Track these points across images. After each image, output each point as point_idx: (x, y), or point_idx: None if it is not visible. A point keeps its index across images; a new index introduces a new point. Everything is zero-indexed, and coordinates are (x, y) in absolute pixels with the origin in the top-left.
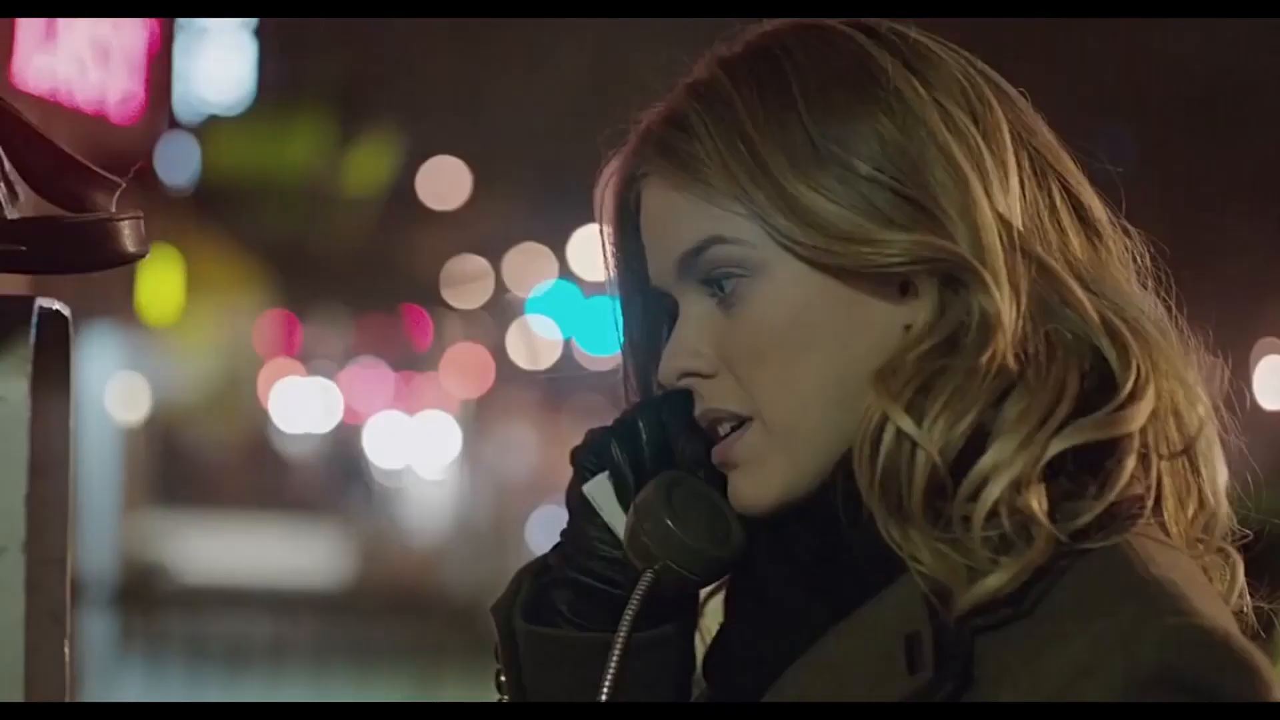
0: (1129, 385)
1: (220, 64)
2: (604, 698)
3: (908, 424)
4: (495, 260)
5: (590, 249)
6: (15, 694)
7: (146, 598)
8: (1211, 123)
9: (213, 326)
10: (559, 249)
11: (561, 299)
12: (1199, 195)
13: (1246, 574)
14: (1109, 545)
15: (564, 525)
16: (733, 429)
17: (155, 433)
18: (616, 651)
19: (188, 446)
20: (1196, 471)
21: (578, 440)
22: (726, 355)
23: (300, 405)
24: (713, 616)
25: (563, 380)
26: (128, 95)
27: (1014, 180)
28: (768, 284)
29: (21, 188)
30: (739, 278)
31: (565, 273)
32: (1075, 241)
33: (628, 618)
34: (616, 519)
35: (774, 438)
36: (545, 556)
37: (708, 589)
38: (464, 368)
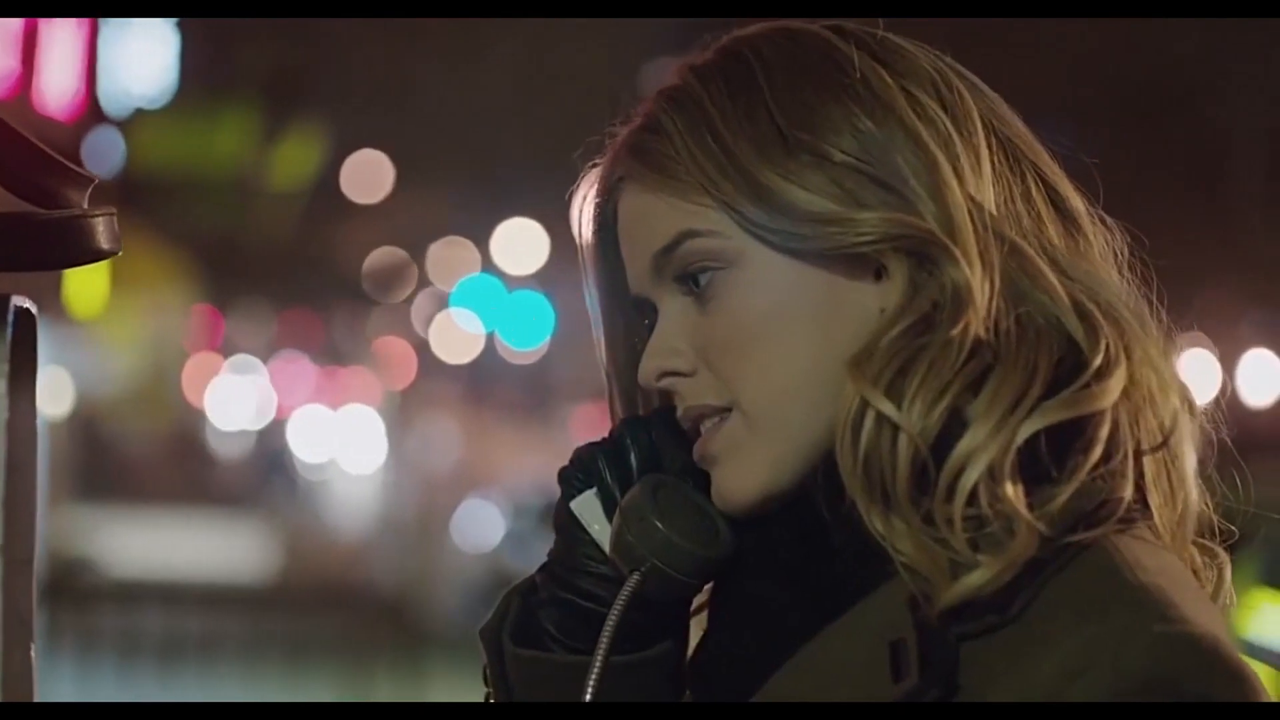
0: (1097, 362)
1: (144, 56)
2: (589, 692)
3: (887, 407)
4: (418, 254)
5: (514, 243)
6: None
7: (73, 593)
8: (1138, 114)
9: (137, 320)
10: (482, 243)
11: (484, 293)
12: (1126, 188)
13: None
14: (1095, 547)
15: (490, 526)
16: (714, 425)
17: (79, 427)
18: (600, 656)
19: (112, 441)
20: (1176, 464)
21: (500, 433)
22: (704, 350)
23: (236, 403)
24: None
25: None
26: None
27: (986, 166)
28: (742, 274)
29: None
30: (714, 271)
31: (488, 266)
32: (1051, 229)
33: (614, 616)
34: (605, 535)
35: (754, 428)
36: (533, 576)
37: (694, 607)
38: (387, 361)
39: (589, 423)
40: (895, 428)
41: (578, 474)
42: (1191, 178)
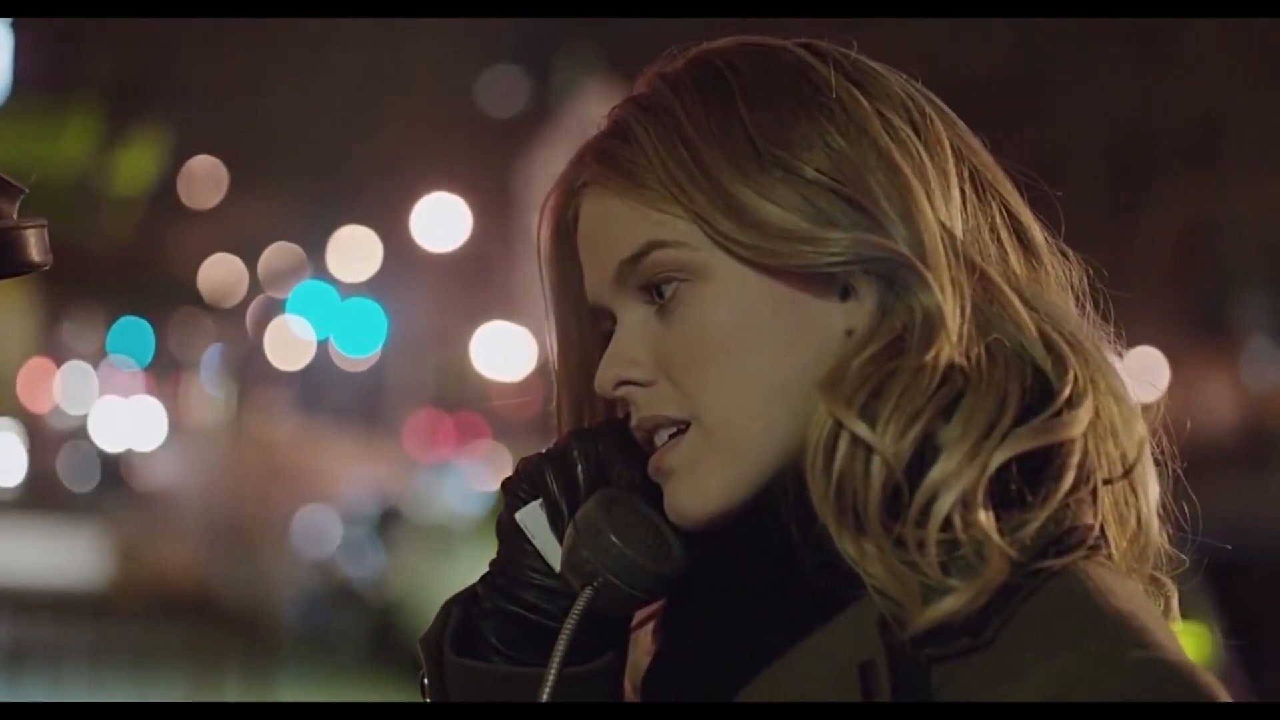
0: (1066, 392)
1: None
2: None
3: (862, 429)
4: (251, 260)
5: (347, 250)
6: None
7: None
8: (969, 121)
9: None
10: (317, 250)
11: (318, 299)
12: None
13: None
14: (1065, 573)
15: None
16: (670, 438)
17: None
18: (553, 670)
19: None
20: (1135, 494)
21: (333, 440)
22: (665, 361)
23: (121, 422)
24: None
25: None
26: None
27: (955, 193)
28: (708, 287)
29: None
30: (679, 282)
31: (322, 273)
32: (1014, 259)
33: (567, 631)
34: (550, 547)
35: (712, 443)
36: (473, 586)
37: (634, 623)
38: (222, 366)
39: (421, 430)
40: (869, 451)
41: (523, 485)
42: (1041, 201)
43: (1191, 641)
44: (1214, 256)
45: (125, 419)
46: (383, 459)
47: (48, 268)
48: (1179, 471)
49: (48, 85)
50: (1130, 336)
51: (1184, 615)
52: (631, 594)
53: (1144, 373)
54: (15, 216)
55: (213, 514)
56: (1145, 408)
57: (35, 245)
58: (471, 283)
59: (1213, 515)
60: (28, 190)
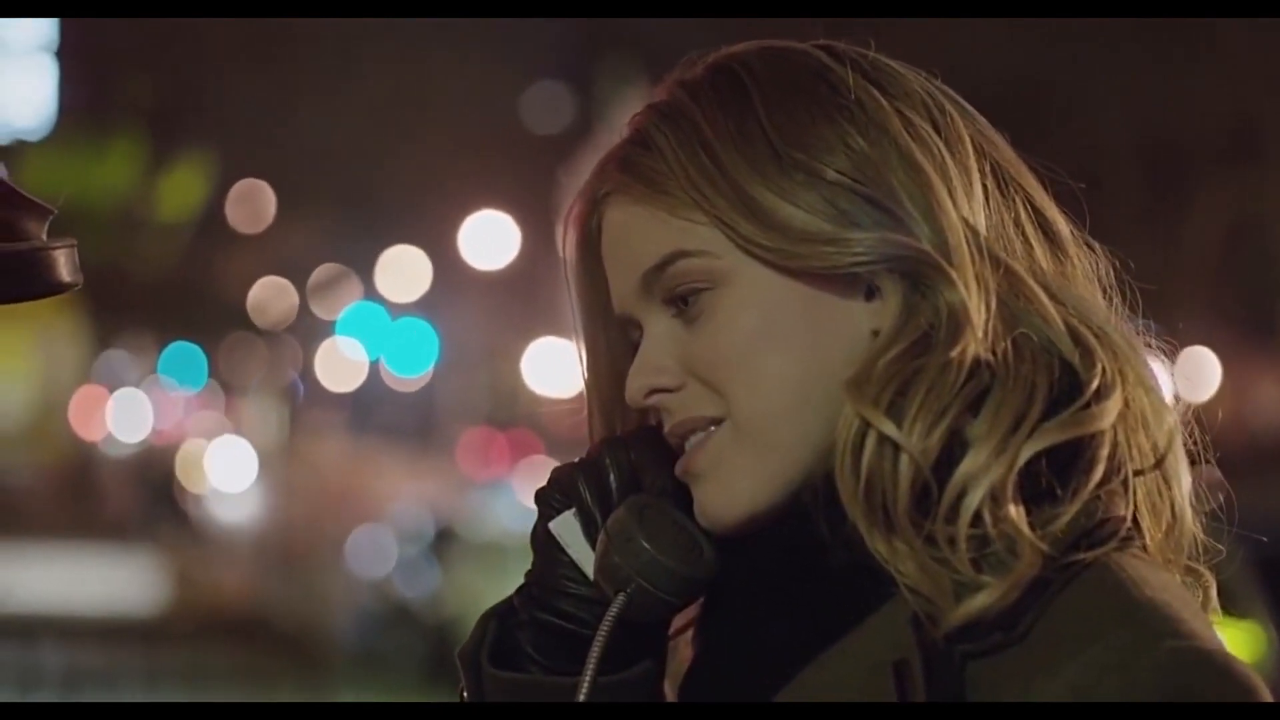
0: (1094, 384)
1: (20, 86)
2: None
3: (889, 428)
4: (300, 283)
5: (396, 270)
6: None
7: None
8: (1006, 122)
9: (22, 353)
10: (365, 271)
11: (368, 320)
12: None
13: None
14: (1097, 565)
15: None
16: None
17: None
18: (588, 677)
19: None
20: (1168, 485)
21: (386, 460)
22: (693, 367)
23: (232, 467)
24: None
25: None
26: None
27: (978, 188)
28: (733, 293)
29: None
30: (703, 290)
31: (371, 294)
32: (1039, 253)
33: (601, 637)
34: (584, 556)
35: (741, 442)
36: (510, 598)
37: (672, 631)
38: (273, 389)
39: (474, 448)
40: (896, 449)
41: (556, 494)
42: (1066, 195)
43: (1245, 638)
44: (1262, 255)
45: (219, 457)
46: (436, 478)
47: (78, 287)
48: (1219, 463)
49: (92, 114)
50: (1180, 337)
51: (1239, 613)
52: (664, 599)
53: (1197, 373)
54: (44, 237)
55: (266, 536)
56: (1177, 399)
57: (65, 265)
58: (521, 299)
59: (1268, 513)
60: (56, 211)
